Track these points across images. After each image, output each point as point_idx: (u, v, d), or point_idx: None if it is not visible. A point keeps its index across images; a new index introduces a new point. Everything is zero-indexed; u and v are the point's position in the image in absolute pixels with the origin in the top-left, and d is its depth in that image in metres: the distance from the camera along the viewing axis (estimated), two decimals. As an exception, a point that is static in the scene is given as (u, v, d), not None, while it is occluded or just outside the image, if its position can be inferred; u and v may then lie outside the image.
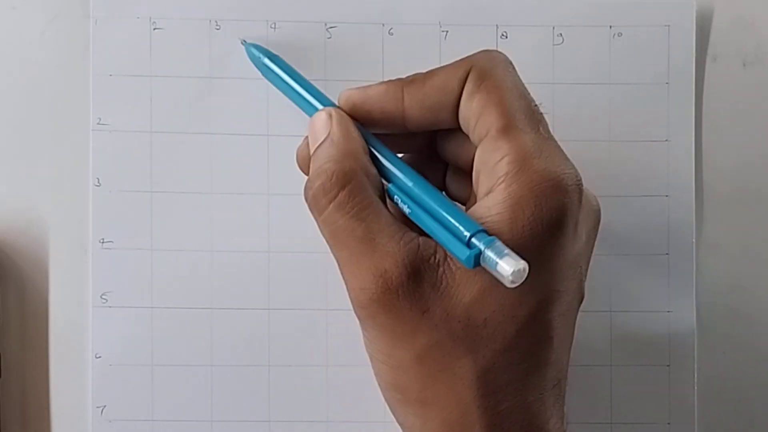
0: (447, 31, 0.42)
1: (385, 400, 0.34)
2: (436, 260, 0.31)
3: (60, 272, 0.42)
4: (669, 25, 0.42)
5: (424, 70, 0.34)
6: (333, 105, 0.36)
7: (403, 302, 0.31)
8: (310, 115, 0.36)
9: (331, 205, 0.32)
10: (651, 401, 0.42)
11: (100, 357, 0.41)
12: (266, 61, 0.39)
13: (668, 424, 0.42)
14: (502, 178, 0.31)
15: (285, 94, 0.38)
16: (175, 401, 0.42)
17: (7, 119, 0.42)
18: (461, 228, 0.30)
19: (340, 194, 0.31)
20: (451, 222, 0.31)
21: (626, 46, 0.42)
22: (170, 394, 0.42)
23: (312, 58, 0.42)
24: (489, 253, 0.29)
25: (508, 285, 0.29)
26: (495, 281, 0.30)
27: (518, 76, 0.33)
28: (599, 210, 0.34)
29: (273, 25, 0.42)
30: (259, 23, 0.42)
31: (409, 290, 0.31)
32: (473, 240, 0.30)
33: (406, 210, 0.32)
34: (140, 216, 0.42)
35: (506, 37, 0.42)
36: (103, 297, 0.42)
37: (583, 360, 0.42)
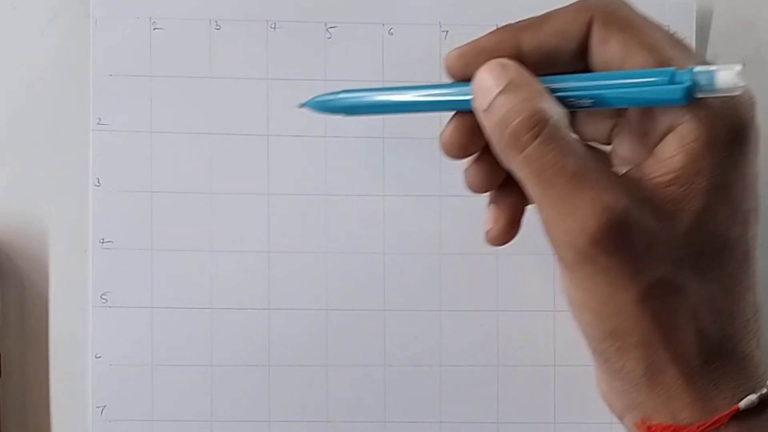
0: (447, 31, 0.42)
1: (596, 351, 0.32)
2: (651, 192, 0.30)
3: (60, 272, 0.42)
4: (669, 26, 0.42)
5: (537, 15, 0.33)
6: (449, 86, 0.34)
7: (627, 238, 0.29)
8: (452, 108, 0.34)
9: (537, 140, 0.30)
10: (651, 401, 0.42)
11: (100, 357, 0.41)
12: (357, 95, 0.36)
13: (668, 424, 0.42)
14: (685, 109, 0.30)
15: (398, 111, 0.36)
16: (175, 401, 0.42)
17: (7, 119, 0.42)
18: (654, 78, 0.30)
19: (545, 129, 0.30)
20: (639, 82, 0.30)
21: (626, 46, 0.42)
22: (170, 394, 0.42)
23: (312, 58, 0.42)
24: (701, 76, 0.29)
25: (738, 91, 0.28)
26: (706, 204, 0.29)
27: (643, 13, 0.33)
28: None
29: (273, 25, 0.42)
30: (259, 23, 0.42)
31: (633, 225, 0.29)
32: (674, 79, 0.29)
33: (588, 102, 0.31)
34: (140, 216, 0.42)
35: (506, 37, 0.42)
36: (103, 297, 0.42)
37: (581, 360, 0.42)
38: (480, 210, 0.42)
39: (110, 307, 0.42)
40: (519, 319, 0.42)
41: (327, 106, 0.37)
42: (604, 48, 0.32)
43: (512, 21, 0.42)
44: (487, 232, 0.35)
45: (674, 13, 0.42)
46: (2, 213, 0.42)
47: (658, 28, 0.32)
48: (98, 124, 0.42)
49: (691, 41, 0.42)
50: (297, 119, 0.42)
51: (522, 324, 0.42)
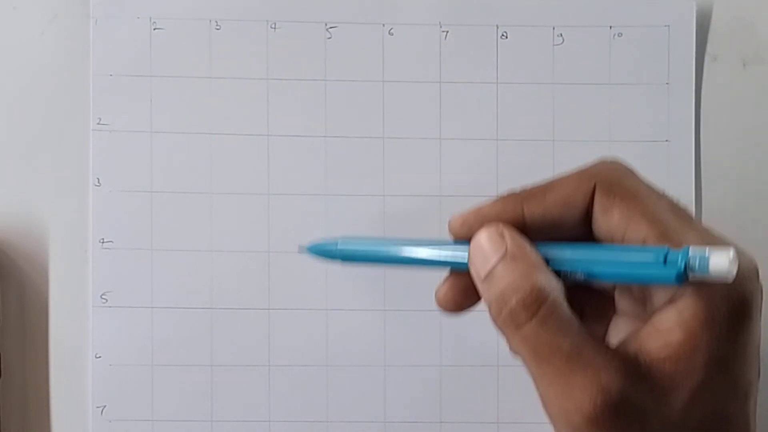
0: (447, 31, 0.42)
1: None
2: (647, 368, 0.30)
3: (60, 272, 0.42)
4: (669, 26, 0.42)
5: (540, 182, 0.34)
6: (447, 244, 0.34)
7: (623, 418, 0.29)
8: (448, 266, 0.34)
9: (534, 320, 0.30)
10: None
11: (100, 357, 0.41)
12: (355, 245, 0.36)
13: (668, 424, 0.42)
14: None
15: (396, 264, 0.36)
16: (175, 401, 0.42)
17: (8, 119, 0.42)
18: (648, 258, 0.30)
19: (542, 308, 0.30)
20: (633, 261, 0.30)
21: (626, 47, 0.42)
22: (170, 394, 0.42)
23: (312, 58, 0.42)
24: (694, 260, 0.29)
25: (730, 279, 0.28)
26: (703, 379, 0.29)
27: (645, 180, 0.33)
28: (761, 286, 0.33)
29: (273, 25, 0.42)
30: (259, 23, 0.42)
31: (628, 404, 0.29)
32: (668, 259, 0.29)
33: (581, 277, 0.31)
34: (140, 216, 0.42)
35: (506, 37, 0.42)
36: (103, 297, 0.42)
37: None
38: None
39: (110, 307, 0.42)
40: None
41: (326, 253, 0.37)
42: (607, 218, 0.32)
43: (510, 21, 0.42)
44: (438, 291, 0.35)
45: (674, 13, 0.42)
46: (2, 213, 0.42)
47: (660, 197, 0.32)
48: (98, 124, 0.42)
49: (691, 41, 0.42)
50: (297, 119, 0.42)
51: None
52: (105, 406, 0.42)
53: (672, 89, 0.42)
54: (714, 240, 0.31)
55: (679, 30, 0.42)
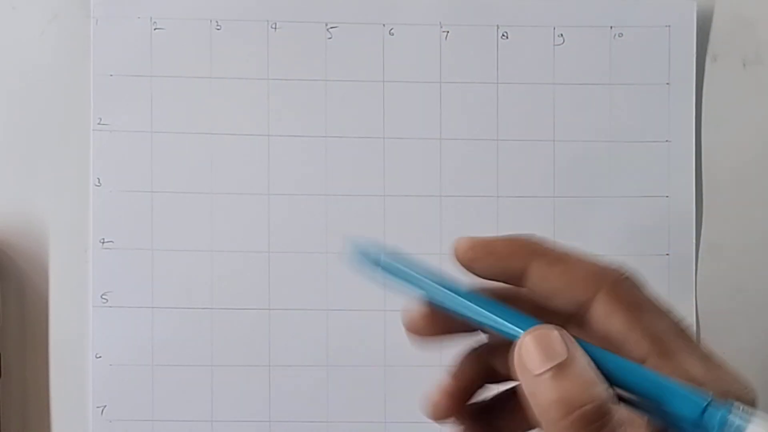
0: (447, 32, 0.42)
1: None
2: None
3: (60, 272, 0.42)
4: (670, 26, 0.42)
5: (558, 246, 0.33)
6: (493, 304, 0.31)
7: None
8: (490, 327, 0.31)
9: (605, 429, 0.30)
10: (651, 401, 0.42)
11: (100, 357, 0.42)
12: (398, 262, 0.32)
13: (668, 424, 0.42)
14: None
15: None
16: (175, 401, 0.42)
17: (8, 119, 0.42)
18: (687, 402, 0.29)
19: (609, 424, 0.30)
20: (672, 395, 0.29)
21: (627, 47, 0.42)
22: (170, 394, 0.42)
23: (312, 58, 0.42)
24: (734, 418, 0.28)
25: None
26: None
27: (652, 292, 0.32)
28: None
29: (273, 25, 0.42)
30: (259, 23, 0.42)
31: None
32: (709, 409, 0.28)
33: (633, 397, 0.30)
34: (140, 216, 0.42)
35: (507, 38, 0.42)
36: (103, 297, 0.42)
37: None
38: (480, 210, 0.42)
39: (110, 307, 0.42)
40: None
41: (369, 258, 0.31)
42: (607, 323, 0.32)
43: (511, 21, 0.42)
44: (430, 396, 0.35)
45: (675, 13, 0.42)
46: (2, 213, 0.42)
47: (663, 314, 0.32)
48: (99, 124, 0.42)
49: (692, 41, 0.42)
50: (297, 119, 0.42)
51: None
52: (105, 406, 0.42)
53: (672, 89, 0.42)
54: (714, 367, 0.31)
55: (679, 30, 0.42)
